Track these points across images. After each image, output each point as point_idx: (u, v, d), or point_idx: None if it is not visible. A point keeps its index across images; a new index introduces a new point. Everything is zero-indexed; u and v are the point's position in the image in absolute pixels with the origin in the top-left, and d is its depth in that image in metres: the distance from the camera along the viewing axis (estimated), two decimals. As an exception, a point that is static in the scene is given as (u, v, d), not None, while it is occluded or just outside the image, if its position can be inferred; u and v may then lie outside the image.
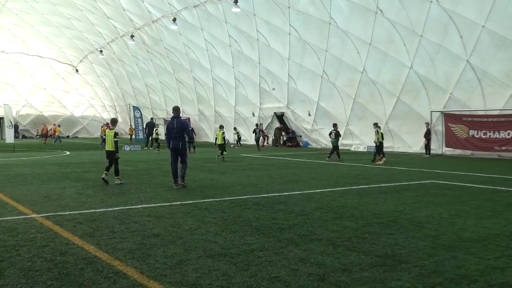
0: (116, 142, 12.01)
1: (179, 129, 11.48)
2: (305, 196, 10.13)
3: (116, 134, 12.11)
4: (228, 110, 39.58)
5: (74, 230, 6.69)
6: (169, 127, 11.68)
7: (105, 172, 12.07)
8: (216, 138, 22.89)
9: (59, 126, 46.82)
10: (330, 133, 21.67)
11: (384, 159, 19.57)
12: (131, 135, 45.46)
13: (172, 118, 11.80)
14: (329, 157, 20.61)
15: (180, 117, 11.92)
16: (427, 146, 24.06)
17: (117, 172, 12.16)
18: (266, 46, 32.26)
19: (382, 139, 20.02)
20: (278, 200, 9.50)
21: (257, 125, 33.91)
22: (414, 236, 6.39)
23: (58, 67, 55.44)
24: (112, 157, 12.09)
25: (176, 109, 11.97)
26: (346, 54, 27.73)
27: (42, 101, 56.55)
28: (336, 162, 19.78)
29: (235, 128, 36.10)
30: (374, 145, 20.46)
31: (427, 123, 24.12)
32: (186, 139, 11.84)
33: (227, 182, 12.55)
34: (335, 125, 21.76)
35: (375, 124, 20.65)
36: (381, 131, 20.48)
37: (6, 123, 29.83)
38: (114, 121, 12.98)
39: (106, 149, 12.31)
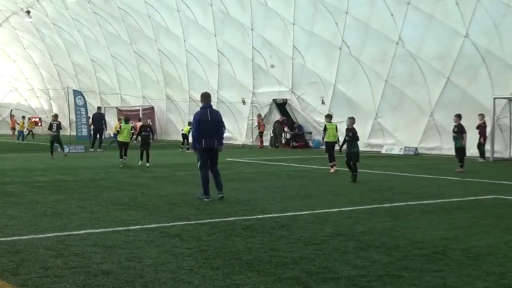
0: None
1: (216, 123, 12.26)
2: (317, 217, 10.13)
3: None
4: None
5: (-10, 266, 6.66)
6: (201, 119, 12.22)
7: None
8: None
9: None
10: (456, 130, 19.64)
11: (335, 167, 18.56)
12: (30, 130, 47.14)
13: (204, 108, 12.38)
14: (461, 166, 18.86)
15: (212, 106, 12.65)
16: (481, 147, 23.95)
17: None
18: (262, 6, 32.25)
19: (334, 137, 19.10)
20: (279, 223, 9.51)
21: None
22: (470, 274, 6.41)
23: (-34, 34, 55.19)
24: None
25: (206, 96, 12.52)
26: (374, 18, 27.79)
27: None
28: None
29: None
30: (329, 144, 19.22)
31: (482, 115, 23.89)
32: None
33: (206, 197, 12.53)
34: (458, 116, 19.67)
35: (328, 116, 19.77)
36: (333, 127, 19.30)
37: None
38: None
39: None
